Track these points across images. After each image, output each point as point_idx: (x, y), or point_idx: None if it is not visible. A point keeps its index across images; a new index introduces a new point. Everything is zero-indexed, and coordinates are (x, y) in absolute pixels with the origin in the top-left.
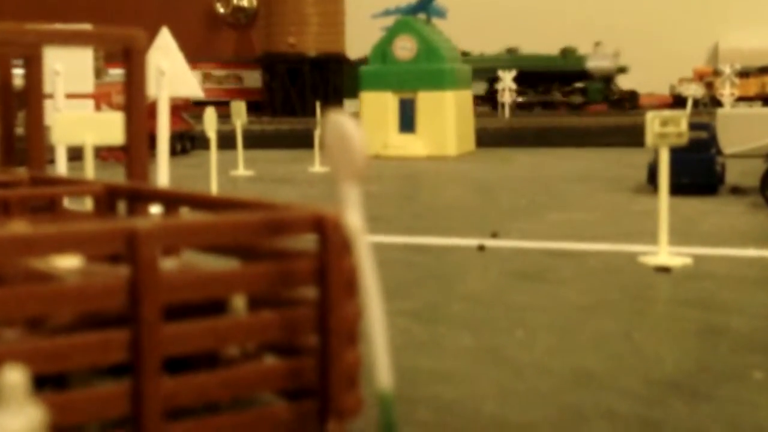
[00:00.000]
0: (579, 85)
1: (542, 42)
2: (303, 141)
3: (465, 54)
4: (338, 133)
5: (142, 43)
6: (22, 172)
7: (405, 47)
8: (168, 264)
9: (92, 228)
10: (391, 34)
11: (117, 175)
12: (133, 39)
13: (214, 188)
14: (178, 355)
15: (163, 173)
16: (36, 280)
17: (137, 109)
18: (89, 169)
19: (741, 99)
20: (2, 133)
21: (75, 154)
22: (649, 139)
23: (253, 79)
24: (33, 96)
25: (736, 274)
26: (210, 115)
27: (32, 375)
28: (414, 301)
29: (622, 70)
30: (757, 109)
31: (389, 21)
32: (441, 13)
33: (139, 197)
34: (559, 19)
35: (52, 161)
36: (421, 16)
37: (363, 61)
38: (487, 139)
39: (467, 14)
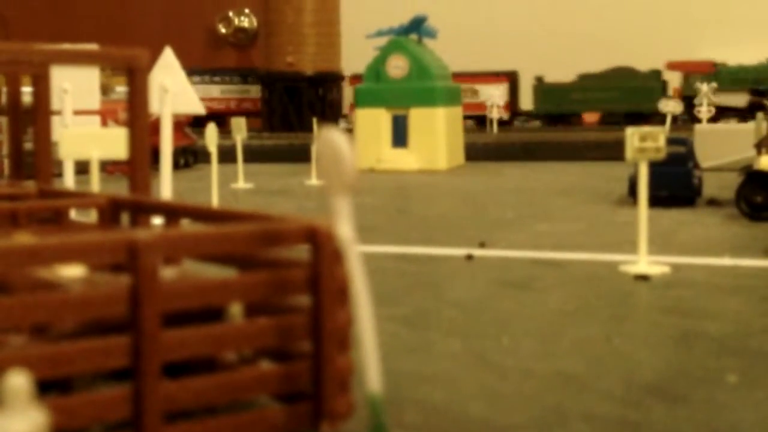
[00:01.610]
0: None
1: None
2: (300, 155)
3: (719, 65)
4: (330, 149)
5: (145, 62)
6: (30, 185)
7: (398, 66)
8: (168, 273)
9: (95, 239)
10: (385, 53)
11: (122, 189)
12: (135, 58)
13: (215, 201)
14: (177, 360)
15: (165, 186)
16: (41, 288)
17: (140, 124)
18: (95, 183)
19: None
20: (11, 148)
21: (82, 168)
22: (629, 153)
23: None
24: (41, 112)
25: (712, 282)
26: (211, 130)
27: (37, 379)
28: (404, 308)
29: None
30: (733, 125)
31: (383, 41)
32: (431, 34)
33: (141, 209)
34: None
35: (59, 175)
36: (413, 36)
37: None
38: (476, 153)
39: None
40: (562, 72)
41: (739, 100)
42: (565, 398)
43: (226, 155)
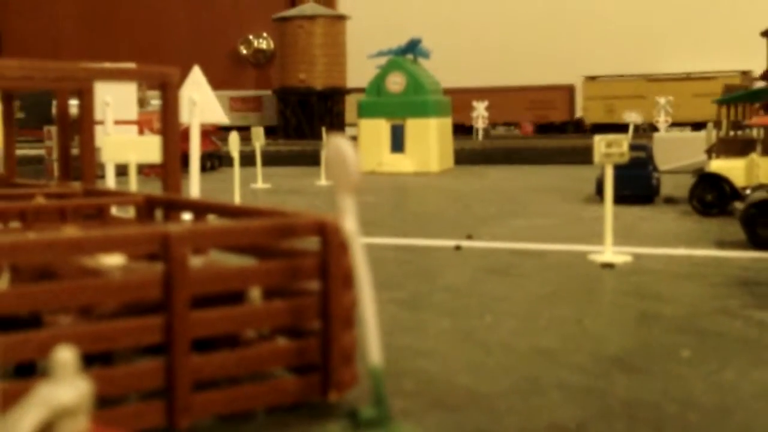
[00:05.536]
0: None
1: None
2: (311, 159)
3: None
4: (337, 153)
5: (176, 78)
6: (76, 185)
7: (396, 82)
8: (196, 261)
9: (133, 232)
10: (385, 71)
11: (156, 188)
12: (168, 75)
13: (237, 199)
14: (204, 336)
15: (194, 186)
16: (86, 275)
17: (172, 133)
18: (132, 183)
19: (674, 124)
20: (60, 153)
21: (121, 171)
22: (596, 157)
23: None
24: (85, 122)
25: (669, 270)
26: (234, 138)
27: (83, 354)
28: (401, 292)
29: None
30: (687, 133)
31: (383, 60)
32: (425, 54)
33: (173, 206)
34: None
35: (102, 176)
36: (409, 56)
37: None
38: (464, 157)
39: None
40: None
41: None
42: (540, 370)
43: (247, 159)
